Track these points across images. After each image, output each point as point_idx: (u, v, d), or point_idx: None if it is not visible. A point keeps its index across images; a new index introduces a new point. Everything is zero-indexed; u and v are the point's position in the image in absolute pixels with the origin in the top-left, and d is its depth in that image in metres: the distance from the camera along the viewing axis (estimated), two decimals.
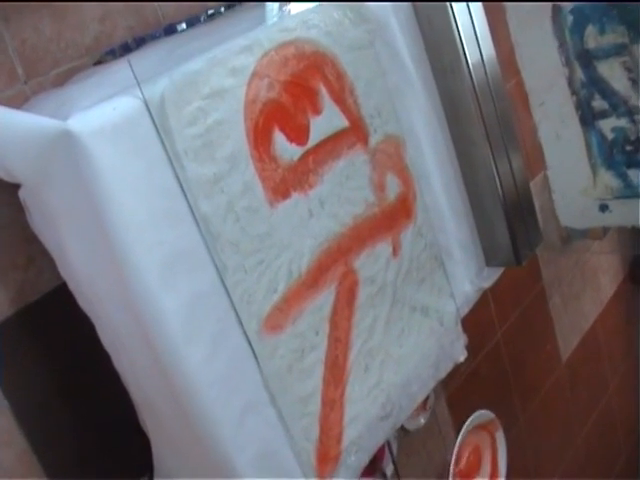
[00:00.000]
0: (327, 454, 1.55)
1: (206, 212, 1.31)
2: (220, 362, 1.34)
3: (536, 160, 3.08)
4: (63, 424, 1.57)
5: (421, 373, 1.79)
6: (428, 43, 1.84)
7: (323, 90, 1.54)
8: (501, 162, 1.93)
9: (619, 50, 2.70)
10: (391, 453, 2.11)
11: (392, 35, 1.75)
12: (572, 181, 3.07)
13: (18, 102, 1.47)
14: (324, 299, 1.54)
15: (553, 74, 2.91)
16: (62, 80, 1.54)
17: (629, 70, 2.72)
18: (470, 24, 1.85)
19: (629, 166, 2.91)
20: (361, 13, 1.64)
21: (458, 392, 2.57)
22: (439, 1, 1.79)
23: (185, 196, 1.29)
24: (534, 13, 2.83)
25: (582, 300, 3.51)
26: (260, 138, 1.41)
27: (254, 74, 1.40)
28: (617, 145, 2.91)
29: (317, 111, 1.53)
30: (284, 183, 1.46)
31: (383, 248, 1.68)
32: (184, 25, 1.65)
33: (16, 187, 1.31)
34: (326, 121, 1.55)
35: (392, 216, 1.71)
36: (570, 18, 2.79)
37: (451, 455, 1.97)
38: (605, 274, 3.70)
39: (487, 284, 2.05)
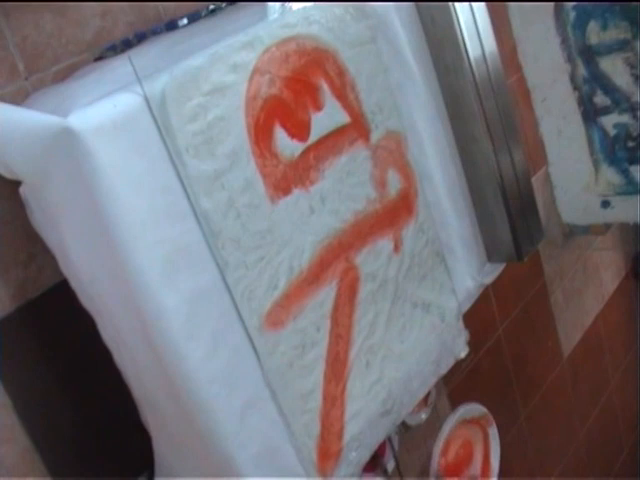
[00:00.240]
0: (328, 450, 1.56)
1: (207, 209, 1.31)
2: (221, 358, 1.34)
3: (538, 156, 3.07)
4: (65, 421, 1.57)
5: (422, 369, 1.79)
6: (430, 39, 1.84)
7: (324, 86, 1.54)
8: (503, 158, 1.93)
9: (622, 46, 2.70)
10: (392, 449, 2.11)
11: (394, 31, 1.74)
12: (574, 177, 3.06)
13: (19, 98, 1.47)
14: (325, 295, 1.54)
15: (555, 70, 2.91)
16: (63, 76, 1.54)
17: (631, 66, 2.71)
18: (472, 20, 1.84)
19: (631, 162, 2.91)
20: (362, 9, 1.64)
21: (459, 388, 2.57)
22: (442, 1, 1.79)
23: (186, 193, 1.28)
24: (536, 9, 2.83)
25: (584, 296, 3.52)
26: (261, 134, 1.41)
27: (255, 70, 1.40)
28: (619, 141, 2.91)
29: (318, 107, 1.53)
30: (285, 179, 1.45)
31: (384, 244, 1.68)
32: (185, 21, 1.64)
33: (17, 184, 1.31)
34: (327, 117, 1.55)
35: (393, 212, 1.71)
36: (572, 14, 2.78)
37: (437, 446, 1.94)
38: (607, 270, 3.70)
39: (488, 280, 2.05)
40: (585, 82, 2.89)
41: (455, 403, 2.50)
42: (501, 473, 2.46)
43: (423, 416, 2.30)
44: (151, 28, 1.64)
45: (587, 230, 3.19)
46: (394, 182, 1.71)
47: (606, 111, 2.89)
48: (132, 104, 1.23)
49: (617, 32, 2.68)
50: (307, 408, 1.51)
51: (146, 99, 1.23)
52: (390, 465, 2.12)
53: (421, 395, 1.83)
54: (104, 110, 1.20)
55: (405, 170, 1.74)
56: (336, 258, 1.56)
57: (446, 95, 1.89)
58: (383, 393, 1.67)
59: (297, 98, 1.48)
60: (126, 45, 1.59)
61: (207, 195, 1.31)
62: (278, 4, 1.52)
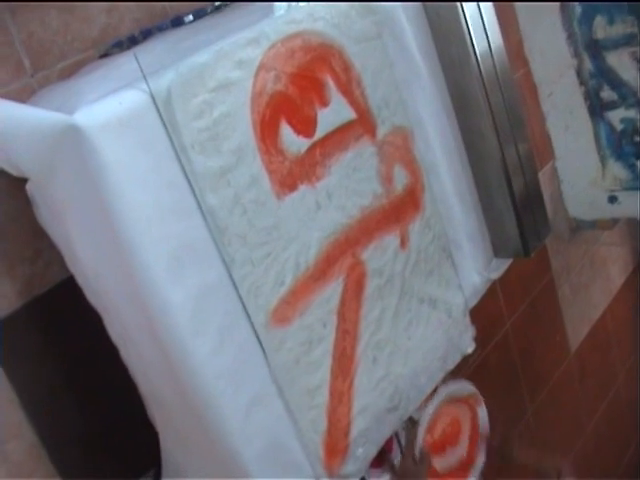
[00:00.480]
0: (335, 446, 1.56)
1: (213, 205, 1.31)
2: (227, 355, 1.34)
3: (545, 151, 3.07)
4: (71, 417, 1.58)
5: (429, 365, 1.79)
6: (436, 35, 1.83)
7: (330, 82, 1.54)
8: (509, 153, 1.93)
9: (628, 40, 2.69)
10: (399, 445, 2.10)
11: (400, 27, 1.74)
12: (581, 172, 3.06)
13: (25, 95, 1.48)
14: (332, 291, 1.54)
15: (562, 65, 2.90)
16: (69, 73, 1.54)
17: (638, 61, 2.71)
18: (478, 15, 1.84)
19: (638, 157, 2.90)
20: (368, 5, 1.63)
21: None
22: (448, 1, 1.79)
23: (192, 189, 1.29)
24: (543, 4, 2.82)
25: (591, 291, 3.51)
26: (267, 130, 1.41)
27: (261, 66, 1.40)
28: (626, 136, 2.91)
29: (324, 103, 1.53)
30: (291, 175, 1.45)
31: (391, 240, 1.68)
32: (191, 17, 1.64)
33: (23, 181, 1.31)
34: (333, 113, 1.55)
35: (400, 208, 1.71)
36: (579, 9, 2.78)
37: (423, 421, 1.90)
38: (614, 264, 3.70)
39: (495, 275, 2.05)
40: (592, 77, 2.88)
41: None
42: (508, 468, 2.46)
43: None
44: (157, 25, 1.64)
45: (594, 225, 3.19)
46: (400, 177, 1.71)
47: (613, 106, 2.89)
48: (138, 101, 1.23)
49: (623, 27, 2.68)
50: (314, 404, 1.51)
51: (152, 96, 1.23)
52: (397, 461, 2.12)
53: (428, 391, 1.83)
54: (110, 107, 1.20)
55: (411, 165, 1.74)
56: (343, 254, 1.56)
57: (452, 90, 1.88)
58: (390, 389, 1.67)
59: (303, 94, 1.48)
60: (132, 42, 1.59)
61: (213, 191, 1.31)
62: (285, 4, 1.52)
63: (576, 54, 2.86)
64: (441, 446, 2.00)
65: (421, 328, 1.76)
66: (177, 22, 1.64)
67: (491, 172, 1.94)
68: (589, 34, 2.79)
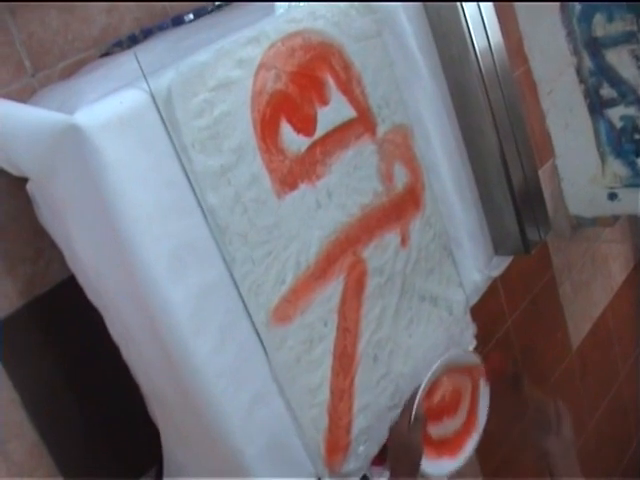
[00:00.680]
0: (336, 444, 1.56)
1: (213, 204, 1.31)
2: (228, 353, 1.34)
3: (545, 148, 3.07)
4: (73, 416, 1.58)
5: (430, 363, 1.79)
6: (436, 33, 1.83)
7: (330, 81, 1.54)
8: (509, 151, 1.93)
9: (628, 38, 2.69)
10: None
11: (400, 25, 1.74)
12: (581, 169, 3.06)
13: (25, 95, 1.48)
14: (332, 290, 1.54)
15: (561, 62, 2.90)
16: (69, 72, 1.54)
17: (637, 58, 2.71)
18: (478, 13, 1.84)
19: (638, 155, 2.90)
20: (368, 4, 1.64)
21: None
22: (448, 1, 1.79)
23: (192, 188, 1.29)
24: (542, 1, 2.82)
25: (592, 288, 3.51)
26: (267, 129, 1.41)
27: (261, 65, 1.40)
28: (626, 134, 2.91)
29: (324, 102, 1.53)
30: (291, 174, 1.45)
31: (391, 238, 1.68)
32: (191, 16, 1.65)
33: (24, 180, 1.31)
34: (333, 111, 1.55)
35: (400, 206, 1.71)
36: (578, 7, 2.78)
37: (423, 383, 1.87)
38: (615, 261, 3.70)
39: (496, 273, 2.05)
40: (591, 75, 2.88)
41: None
42: (512, 466, 2.45)
43: None
44: (157, 24, 1.65)
45: (594, 222, 3.19)
46: (401, 176, 1.71)
47: (612, 103, 2.89)
48: (138, 100, 1.23)
49: (623, 24, 2.68)
50: (315, 402, 1.51)
51: (152, 95, 1.23)
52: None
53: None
54: (110, 106, 1.20)
55: (412, 164, 1.74)
56: (343, 252, 1.56)
57: (452, 88, 1.88)
58: (391, 387, 1.67)
59: (303, 93, 1.48)
60: (132, 41, 1.60)
61: (214, 190, 1.31)
62: (285, 3, 1.52)
63: (576, 52, 2.86)
64: (439, 413, 1.98)
65: (422, 326, 1.76)
66: (177, 21, 1.64)
67: (491, 170, 1.94)
68: (588, 32, 2.79)
